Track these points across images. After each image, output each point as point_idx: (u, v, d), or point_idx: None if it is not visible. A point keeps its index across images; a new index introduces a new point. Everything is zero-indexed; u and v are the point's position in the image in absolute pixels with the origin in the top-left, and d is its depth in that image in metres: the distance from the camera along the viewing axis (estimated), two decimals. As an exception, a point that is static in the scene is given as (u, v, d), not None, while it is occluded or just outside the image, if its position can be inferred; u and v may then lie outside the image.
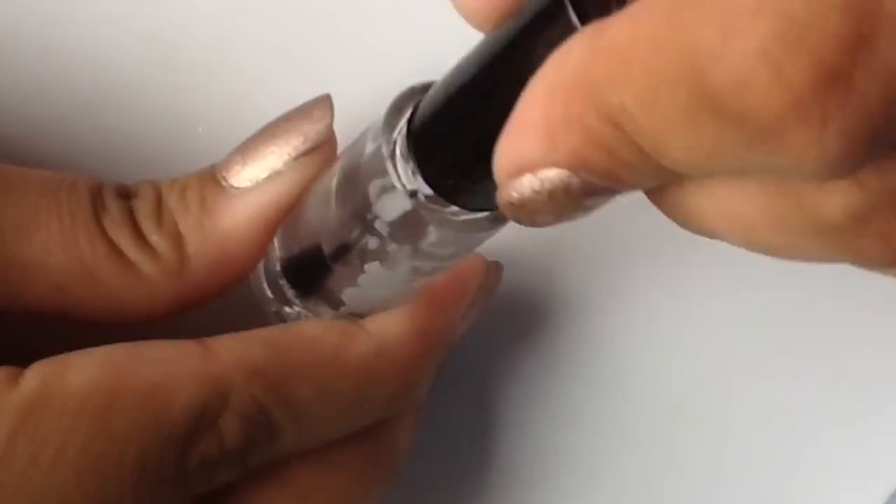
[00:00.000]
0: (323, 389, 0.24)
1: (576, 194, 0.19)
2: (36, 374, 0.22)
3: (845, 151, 0.16)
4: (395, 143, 0.22)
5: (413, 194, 0.22)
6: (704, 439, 0.30)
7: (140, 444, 0.22)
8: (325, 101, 0.26)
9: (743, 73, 0.16)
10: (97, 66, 0.30)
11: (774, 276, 0.31)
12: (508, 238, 0.28)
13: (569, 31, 0.18)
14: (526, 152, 0.19)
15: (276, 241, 0.26)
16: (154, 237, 0.25)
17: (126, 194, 0.25)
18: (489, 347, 0.30)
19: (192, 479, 0.23)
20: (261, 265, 0.26)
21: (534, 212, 0.19)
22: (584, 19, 0.18)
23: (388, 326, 0.25)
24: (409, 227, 0.22)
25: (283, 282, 0.26)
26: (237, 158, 0.26)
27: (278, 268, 0.26)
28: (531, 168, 0.19)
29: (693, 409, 0.30)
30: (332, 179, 0.24)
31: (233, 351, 0.23)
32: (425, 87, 0.22)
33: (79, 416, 0.22)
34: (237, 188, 0.25)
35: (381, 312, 0.25)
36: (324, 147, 0.25)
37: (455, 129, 0.21)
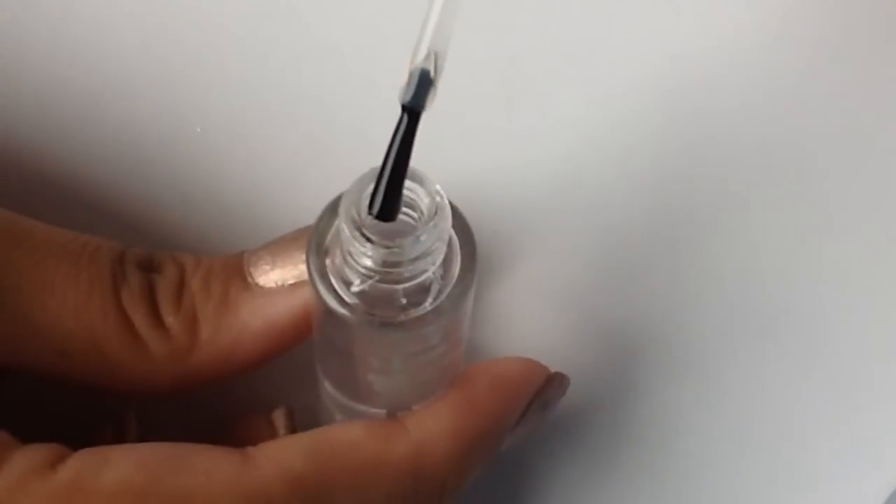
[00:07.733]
0: (362, 493, 0.24)
1: None
2: (74, 465, 0.22)
3: None
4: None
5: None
6: (704, 439, 0.30)
7: None
8: None
9: None
10: (95, 65, 0.30)
11: (774, 277, 0.31)
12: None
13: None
14: None
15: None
16: (170, 318, 0.25)
17: (148, 266, 0.25)
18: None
19: None
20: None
21: None
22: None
23: (428, 424, 0.24)
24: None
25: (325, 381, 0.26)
26: (266, 258, 0.25)
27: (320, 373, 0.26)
28: None
29: (693, 409, 0.30)
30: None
31: (273, 460, 0.23)
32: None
33: None
34: (262, 288, 0.25)
35: (422, 406, 0.25)
36: None
37: None
